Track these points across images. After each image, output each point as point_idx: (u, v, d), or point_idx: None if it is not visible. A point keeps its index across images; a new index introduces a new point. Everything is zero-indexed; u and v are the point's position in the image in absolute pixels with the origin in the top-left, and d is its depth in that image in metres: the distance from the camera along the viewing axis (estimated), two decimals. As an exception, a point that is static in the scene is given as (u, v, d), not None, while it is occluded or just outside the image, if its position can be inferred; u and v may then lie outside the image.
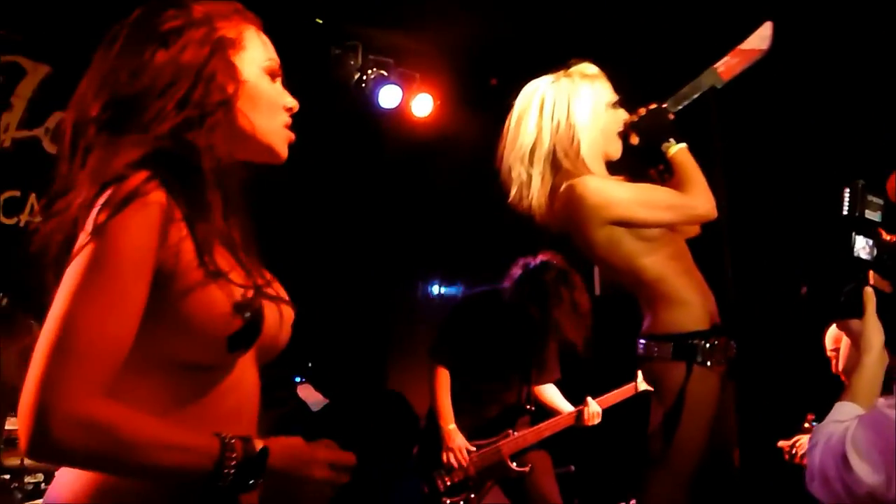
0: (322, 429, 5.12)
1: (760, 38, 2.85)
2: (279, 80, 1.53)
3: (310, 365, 5.21)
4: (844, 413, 1.72)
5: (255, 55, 1.49)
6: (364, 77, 5.05)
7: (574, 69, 2.90)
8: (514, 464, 4.20)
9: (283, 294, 1.47)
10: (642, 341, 2.85)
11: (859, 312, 1.83)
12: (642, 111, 2.80)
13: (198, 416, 1.34)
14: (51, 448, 1.19)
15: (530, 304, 4.16)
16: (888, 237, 1.91)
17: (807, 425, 4.25)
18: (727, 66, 2.82)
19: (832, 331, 3.56)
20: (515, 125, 2.89)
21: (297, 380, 4.96)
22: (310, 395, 5.00)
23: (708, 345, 2.77)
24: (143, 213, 1.26)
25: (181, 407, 1.33)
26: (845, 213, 1.88)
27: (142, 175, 1.28)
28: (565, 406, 4.40)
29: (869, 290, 1.83)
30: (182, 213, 1.31)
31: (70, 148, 1.40)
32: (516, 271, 4.28)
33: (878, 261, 1.88)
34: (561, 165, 2.80)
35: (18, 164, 4.32)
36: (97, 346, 1.22)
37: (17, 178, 4.31)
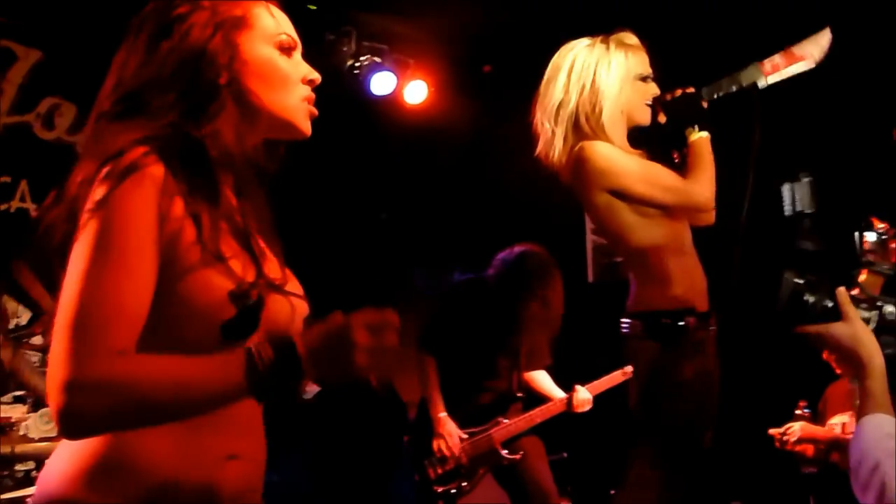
0: (312, 418, 5.12)
1: (816, 46, 2.73)
2: (297, 53, 1.52)
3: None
4: (884, 425, 1.60)
5: (264, 31, 1.47)
6: (358, 63, 5.03)
7: (614, 36, 2.91)
8: (506, 451, 4.21)
9: (298, 289, 1.45)
10: (623, 319, 2.90)
11: (836, 316, 1.67)
12: (678, 92, 2.78)
13: (215, 423, 1.32)
14: (87, 420, 1.21)
15: (510, 293, 4.19)
16: (881, 225, 1.83)
17: (798, 412, 4.27)
18: (773, 66, 2.73)
19: None
20: (546, 82, 2.95)
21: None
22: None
23: (678, 325, 2.80)
24: (143, 184, 1.27)
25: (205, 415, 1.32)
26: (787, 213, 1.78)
27: (140, 149, 1.29)
28: (556, 392, 4.42)
29: (842, 290, 1.69)
30: (182, 191, 1.31)
31: (88, 136, 1.42)
32: (499, 260, 4.31)
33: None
34: (582, 128, 2.83)
35: (9, 150, 4.29)
36: (115, 314, 1.23)
37: (8, 163, 4.28)
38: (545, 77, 2.95)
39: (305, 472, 4.96)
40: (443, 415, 4.12)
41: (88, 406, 1.19)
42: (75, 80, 4.28)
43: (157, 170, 1.29)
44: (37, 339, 4.11)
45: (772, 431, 4.16)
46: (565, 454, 4.73)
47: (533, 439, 4.33)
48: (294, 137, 1.52)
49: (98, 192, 1.26)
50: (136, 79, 1.39)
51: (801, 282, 1.67)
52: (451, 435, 4.11)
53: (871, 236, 1.84)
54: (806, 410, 4.26)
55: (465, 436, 4.17)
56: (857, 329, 1.65)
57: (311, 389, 5.03)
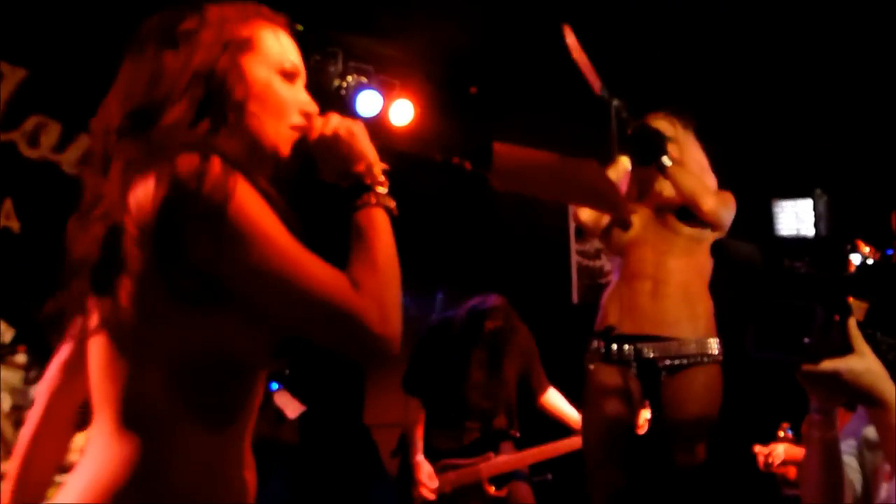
0: (294, 437, 5.10)
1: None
2: (299, 81, 1.50)
3: (287, 372, 5.18)
4: None
5: (268, 56, 1.46)
6: (344, 84, 5.04)
7: None
8: (493, 487, 4.20)
9: None
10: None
11: (847, 349, 1.48)
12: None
13: (243, 418, 1.37)
14: (389, 336, 1.30)
15: (472, 346, 4.33)
16: (866, 248, 1.81)
17: (781, 434, 4.27)
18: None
19: None
20: None
21: (274, 387, 4.94)
22: (287, 402, 4.98)
23: (594, 344, 3.26)
24: (240, 180, 1.28)
25: (234, 410, 1.36)
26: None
27: (215, 157, 1.28)
28: (571, 412, 4.36)
29: (853, 322, 1.50)
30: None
31: (94, 158, 1.39)
32: (464, 309, 4.44)
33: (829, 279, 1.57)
34: None
35: (-6, 168, 4.28)
36: (329, 270, 1.29)
37: (-6, 181, 4.27)
38: None
39: (285, 492, 4.94)
40: (420, 458, 4.18)
41: (390, 329, 1.30)
42: (61, 99, 4.27)
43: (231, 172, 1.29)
44: (20, 358, 4.08)
45: (757, 449, 4.15)
46: (550, 476, 4.71)
47: (522, 485, 4.31)
48: (270, 164, 1.48)
49: (205, 201, 1.24)
50: (145, 96, 1.37)
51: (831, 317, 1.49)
52: (431, 478, 4.16)
53: (856, 259, 1.80)
54: (789, 432, 4.27)
55: (452, 465, 4.19)
56: (871, 363, 1.49)
57: (295, 407, 5.02)
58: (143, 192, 1.27)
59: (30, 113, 4.41)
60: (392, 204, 1.47)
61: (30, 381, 4.04)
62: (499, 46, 4.99)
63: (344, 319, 1.28)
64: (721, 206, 3.26)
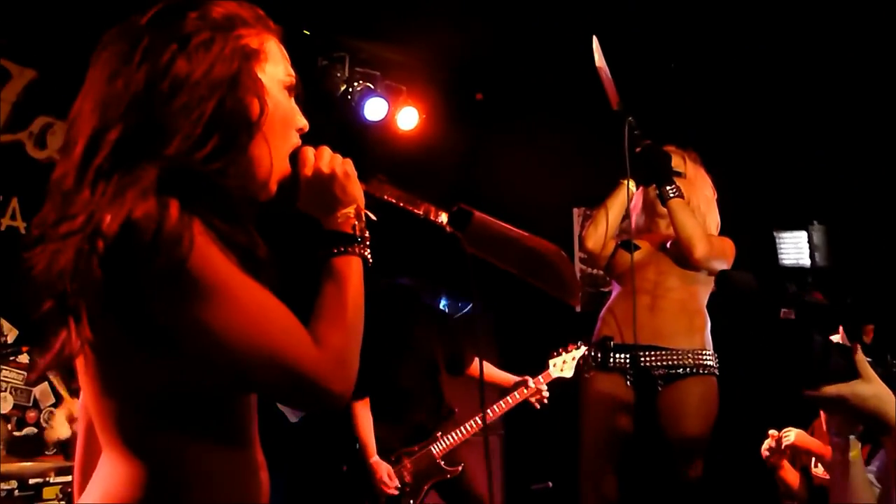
0: (294, 442, 5.10)
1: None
2: (292, 96, 1.41)
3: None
4: None
5: (276, 69, 1.36)
6: (350, 89, 5.05)
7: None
8: (444, 464, 4.35)
9: None
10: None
11: (853, 374, 1.50)
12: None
13: (244, 423, 1.34)
14: (351, 372, 1.28)
15: (386, 322, 4.40)
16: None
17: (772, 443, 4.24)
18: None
19: None
20: None
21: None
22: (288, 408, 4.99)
23: (591, 353, 3.33)
24: (203, 234, 1.19)
25: (232, 420, 1.32)
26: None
27: (173, 203, 1.17)
28: (506, 376, 4.49)
29: (858, 348, 1.52)
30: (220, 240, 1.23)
31: (80, 167, 1.25)
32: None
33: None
34: None
35: (1, 168, 4.29)
36: (286, 315, 1.25)
37: (0, 181, 4.29)
38: None
39: (284, 497, 4.95)
40: (375, 459, 4.28)
41: (340, 385, 1.26)
42: (69, 100, 4.27)
43: (198, 227, 1.19)
44: (23, 358, 4.09)
45: (771, 432, 4.09)
46: (550, 483, 4.72)
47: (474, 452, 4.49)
48: (258, 194, 1.38)
49: (163, 257, 1.15)
50: (152, 109, 1.24)
51: (831, 343, 1.52)
52: (391, 478, 4.26)
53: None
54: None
55: (406, 453, 4.32)
56: (878, 389, 1.51)
57: (297, 414, 5.02)
58: (110, 226, 1.16)
59: (38, 114, 4.42)
60: (368, 254, 1.43)
61: (32, 382, 4.05)
62: (505, 53, 5.00)
63: (301, 381, 1.23)
64: (713, 255, 3.23)
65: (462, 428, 4.35)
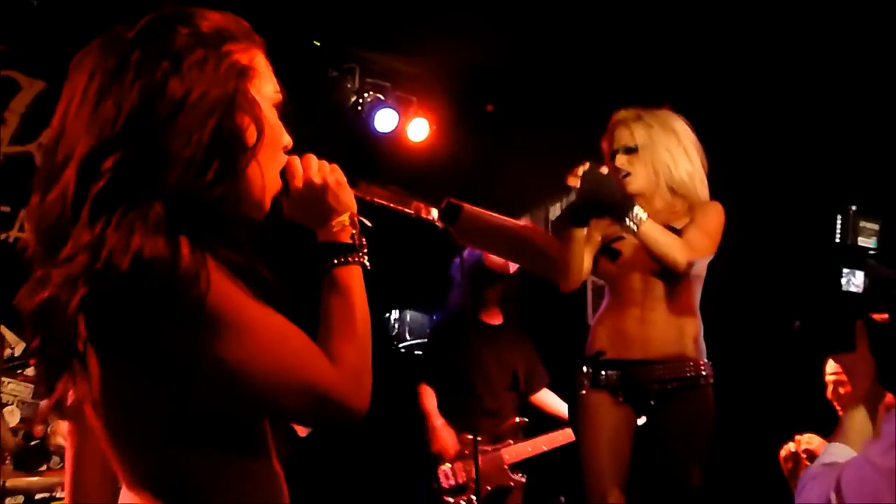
0: (304, 455, 5.07)
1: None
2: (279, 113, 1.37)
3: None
4: (834, 454, 1.67)
5: (266, 87, 1.32)
6: (361, 100, 5.04)
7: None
8: (513, 473, 4.47)
9: None
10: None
11: (851, 346, 1.74)
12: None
13: (261, 442, 1.31)
14: (366, 389, 1.28)
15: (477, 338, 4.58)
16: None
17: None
18: None
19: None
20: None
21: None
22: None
23: (583, 369, 3.23)
24: (215, 272, 1.17)
25: (260, 447, 1.31)
26: (837, 241, 1.80)
27: (184, 240, 1.15)
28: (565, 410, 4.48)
29: (861, 325, 1.74)
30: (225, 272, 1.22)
31: (75, 196, 1.19)
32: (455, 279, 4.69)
33: (872, 291, 1.77)
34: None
35: (10, 180, 4.29)
36: (301, 338, 1.24)
37: (8, 193, 4.28)
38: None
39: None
40: (440, 422, 4.41)
41: (357, 402, 1.26)
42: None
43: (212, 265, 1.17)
44: (30, 371, 4.07)
45: (798, 438, 3.98)
46: (563, 498, 4.69)
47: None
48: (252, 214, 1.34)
49: (184, 298, 1.13)
50: (147, 136, 1.18)
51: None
52: (452, 436, 4.39)
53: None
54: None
55: (482, 450, 4.39)
56: (860, 363, 1.73)
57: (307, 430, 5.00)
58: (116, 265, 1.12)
59: (47, 125, 4.41)
60: (366, 260, 1.42)
61: (40, 395, 4.04)
62: (515, 64, 4.98)
63: (324, 403, 1.23)
64: (697, 256, 3.12)
65: (534, 442, 4.50)
